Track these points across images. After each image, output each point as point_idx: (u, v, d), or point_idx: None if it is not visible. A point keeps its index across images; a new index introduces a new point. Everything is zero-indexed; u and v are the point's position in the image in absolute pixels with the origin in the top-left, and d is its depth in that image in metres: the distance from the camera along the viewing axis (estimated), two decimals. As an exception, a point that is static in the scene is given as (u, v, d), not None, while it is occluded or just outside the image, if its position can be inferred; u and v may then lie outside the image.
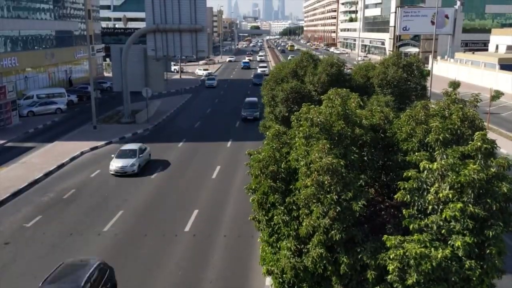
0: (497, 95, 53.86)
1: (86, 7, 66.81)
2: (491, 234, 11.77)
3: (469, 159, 12.75)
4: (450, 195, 11.93)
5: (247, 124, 51.35)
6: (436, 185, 12.31)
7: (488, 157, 12.61)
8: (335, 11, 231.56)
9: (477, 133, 12.89)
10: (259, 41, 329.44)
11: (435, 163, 12.34)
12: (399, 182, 12.70)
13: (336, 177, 12.78)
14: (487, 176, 12.10)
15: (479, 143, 12.50)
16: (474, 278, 11.66)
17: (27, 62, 65.93)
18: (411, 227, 12.16)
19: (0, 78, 58.25)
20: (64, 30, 78.97)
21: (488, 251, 11.89)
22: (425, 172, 12.50)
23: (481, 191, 12.07)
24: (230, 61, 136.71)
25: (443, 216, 11.91)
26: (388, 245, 11.85)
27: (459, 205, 11.73)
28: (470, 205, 11.80)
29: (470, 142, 12.87)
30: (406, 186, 12.45)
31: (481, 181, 11.90)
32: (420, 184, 12.49)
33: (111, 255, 22.72)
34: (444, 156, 12.57)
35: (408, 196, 12.42)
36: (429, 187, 12.47)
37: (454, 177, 12.01)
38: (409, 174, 12.59)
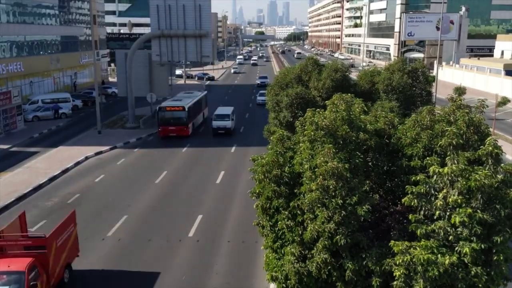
0: (503, 101, 53.66)
1: (92, 13, 67.03)
2: (499, 240, 11.67)
3: (475, 164, 12.67)
4: (459, 201, 11.85)
5: (252, 129, 51.27)
6: (445, 190, 12.23)
7: (497, 162, 12.54)
8: (339, 16, 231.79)
9: (489, 138, 12.83)
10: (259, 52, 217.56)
11: (446, 168, 12.26)
12: (407, 186, 12.63)
13: (341, 181, 12.73)
14: (496, 182, 12.02)
15: (490, 148, 12.42)
16: (480, 285, 11.56)
17: (32, 67, 66.17)
18: (418, 232, 12.06)
19: (5, 83, 58.50)
20: (69, 35, 79.34)
21: (495, 257, 11.79)
22: (435, 177, 12.42)
23: (490, 196, 11.99)
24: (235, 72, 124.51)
25: (452, 221, 11.82)
26: (395, 251, 11.76)
27: (469, 210, 11.64)
28: (479, 211, 11.71)
29: (482, 147, 12.79)
30: (414, 190, 12.38)
31: (490, 186, 11.82)
32: (428, 189, 12.41)
33: (115, 260, 22.71)
34: (455, 162, 12.49)
35: (416, 201, 12.34)
36: (437, 193, 12.39)
37: (464, 182, 11.93)
38: (418, 178, 12.50)
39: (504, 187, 12.25)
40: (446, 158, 12.83)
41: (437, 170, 12.36)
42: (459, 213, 11.73)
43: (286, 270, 13.64)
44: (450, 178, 12.18)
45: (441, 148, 13.31)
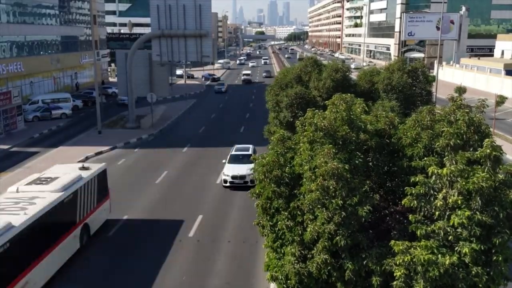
0: (501, 100, 53.66)
1: (92, 13, 67.04)
2: (497, 241, 11.66)
3: (475, 164, 12.64)
4: (459, 201, 11.83)
5: (252, 129, 51.26)
6: (444, 191, 12.21)
7: (496, 163, 12.51)
8: (340, 16, 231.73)
9: (487, 140, 12.78)
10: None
11: (445, 169, 12.25)
12: (406, 188, 12.61)
13: (341, 182, 12.70)
14: (494, 183, 11.99)
15: (488, 150, 12.38)
16: (481, 285, 11.55)
17: (33, 67, 66.17)
18: (418, 232, 12.05)
19: (5, 83, 58.51)
20: (69, 35, 79.37)
21: (494, 258, 11.78)
22: (433, 177, 12.40)
23: (489, 198, 11.97)
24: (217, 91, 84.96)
25: (451, 222, 11.81)
26: (395, 250, 11.74)
27: (467, 212, 11.62)
28: (478, 212, 11.69)
29: (479, 148, 12.76)
30: (413, 191, 12.37)
31: (489, 188, 11.80)
32: (427, 189, 12.40)
33: (115, 260, 22.70)
34: (454, 162, 12.47)
35: (415, 202, 12.33)
36: (436, 193, 12.38)
37: (464, 183, 11.92)
38: (417, 179, 12.49)
39: (504, 187, 12.22)
40: (444, 159, 12.82)
41: (435, 171, 12.34)
42: (458, 215, 11.72)
43: (287, 271, 13.64)
44: (449, 178, 12.16)
45: (441, 148, 13.30)
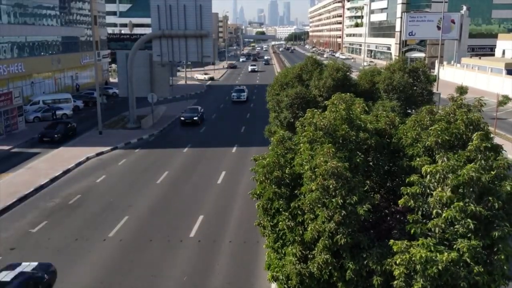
0: (504, 100, 53.59)
1: (92, 13, 67.00)
2: (496, 235, 11.64)
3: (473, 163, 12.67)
4: (451, 197, 11.86)
5: (253, 129, 51.26)
6: (439, 188, 12.23)
7: (491, 156, 12.54)
8: (340, 16, 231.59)
9: (476, 133, 12.84)
10: None
11: (433, 166, 12.31)
12: (402, 188, 12.64)
13: (341, 181, 12.71)
14: (488, 176, 12.01)
15: (477, 142, 12.46)
16: (482, 285, 11.52)
17: (34, 68, 66.20)
18: (412, 231, 12.10)
19: (6, 84, 58.54)
20: (70, 36, 79.41)
21: (496, 256, 11.76)
22: (428, 176, 12.42)
23: (482, 190, 11.98)
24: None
25: (444, 216, 11.80)
26: (394, 250, 11.75)
27: (460, 204, 11.64)
28: (471, 204, 11.69)
29: (470, 143, 12.81)
30: (409, 191, 12.38)
31: (480, 178, 11.81)
32: (423, 189, 12.41)
33: (116, 260, 22.71)
34: (445, 159, 12.50)
35: (412, 202, 12.35)
36: (432, 192, 12.39)
37: (454, 178, 11.95)
38: (412, 179, 12.53)
39: (498, 180, 12.24)
40: (436, 156, 12.84)
41: (428, 169, 12.36)
42: (451, 209, 11.73)
43: (288, 271, 13.63)
44: (442, 176, 12.19)
45: (438, 146, 13.30)
